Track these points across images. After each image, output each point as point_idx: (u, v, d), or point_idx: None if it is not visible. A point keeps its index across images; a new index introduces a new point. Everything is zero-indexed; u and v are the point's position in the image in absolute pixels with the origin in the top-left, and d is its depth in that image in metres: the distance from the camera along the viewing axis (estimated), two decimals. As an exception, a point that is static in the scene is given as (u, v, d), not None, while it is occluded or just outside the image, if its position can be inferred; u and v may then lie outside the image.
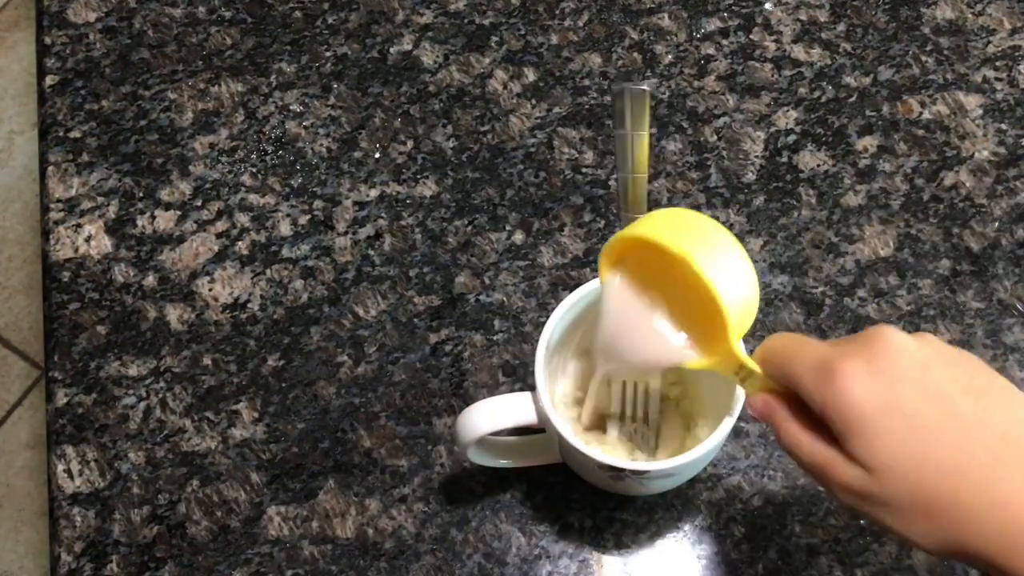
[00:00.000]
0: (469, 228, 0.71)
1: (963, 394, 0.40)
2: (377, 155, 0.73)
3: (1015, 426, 0.40)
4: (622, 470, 0.52)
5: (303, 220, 0.71)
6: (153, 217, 0.72)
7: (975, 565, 0.41)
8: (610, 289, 0.49)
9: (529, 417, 0.53)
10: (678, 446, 0.59)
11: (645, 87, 0.43)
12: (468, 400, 0.65)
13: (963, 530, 0.40)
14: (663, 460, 0.52)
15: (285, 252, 0.70)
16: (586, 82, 0.76)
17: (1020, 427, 0.40)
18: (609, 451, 0.58)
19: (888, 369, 0.40)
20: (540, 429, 0.54)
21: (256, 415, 0.65)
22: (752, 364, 0.46)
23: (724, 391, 0.53)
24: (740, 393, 0.52)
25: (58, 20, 0.79)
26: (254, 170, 0.73)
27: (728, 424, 0.52)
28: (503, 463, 0.60)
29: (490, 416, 0.53)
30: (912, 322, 0.66)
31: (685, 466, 0.53)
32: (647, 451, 0.59)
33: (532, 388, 0.53)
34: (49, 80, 0.77)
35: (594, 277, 0.68)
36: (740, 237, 0.54)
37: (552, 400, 0.56)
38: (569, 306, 0.55)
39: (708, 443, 0.52)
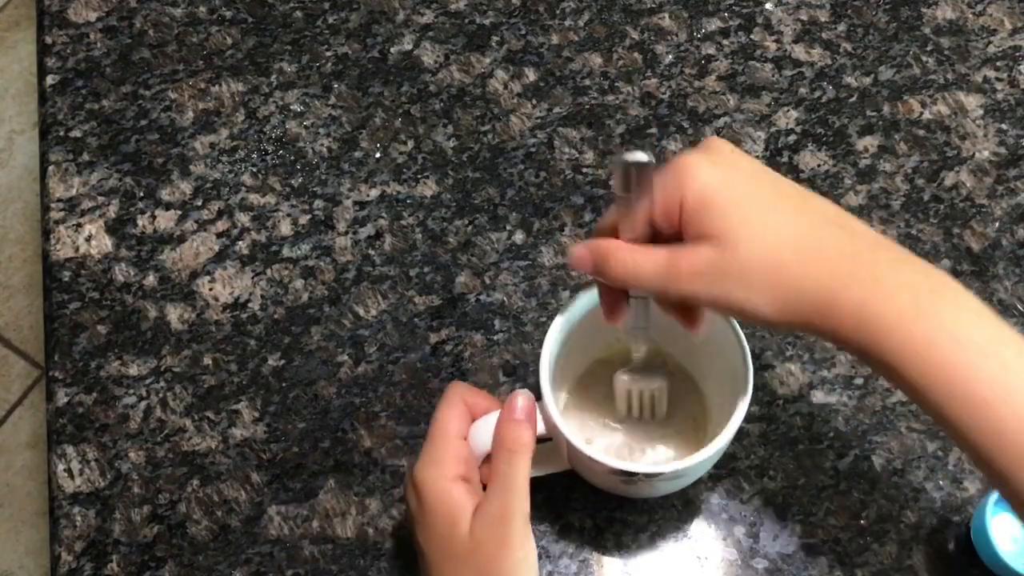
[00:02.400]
0: (469, 228, 0.71)
1: (787, 185, 0.47)
2: (377, 155, 0.73)
3: (831, 210, 0.46)
4: (634, 474, 0.52)
5: (303, 220, 0.71)
6: (153, 217, 0.72)
7: (812, 331, 0.45)
8: None
9: (537, 427, 0.53)
10: (687, 447, 0.59)
11: (647, 158, 0.44)
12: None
13: (797, 281, 0.44)
14: (675, 462, 0.52)
15: (285, 252, 0.70)
16: (586, 82, 0.75)
17: (835, 211, 0.46)
18: (615, 455, 0.58)
19: (725, 160, 0.46)
20: (547, 438, 0.54)
21: (256, 415, 0.65)
22: None
23: (731, 389, 0.53)
24: (747, 391, 0.52)
25: (59, 20, 0.79)
26: (254, 170, 0.73)
27: (736, 423, 0.52)
28: None
29: (491, 431, 0.53)
30: (912, 322, 0.66)
31: (696, 466, 0.53)
32: (653, 447, 0.59)
33: (538, 398, 0.53)
34: (50, 80, 0.77)
35: (594, 278, 0.68)
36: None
37: (560, 408, 0.56)
38: (572, 312, 0.55)
39: (718, 442, 0.52)
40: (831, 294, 0.43)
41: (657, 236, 0.47)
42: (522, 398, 0.52)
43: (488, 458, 0.53)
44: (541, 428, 0.53)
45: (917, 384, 0.42)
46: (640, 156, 0.44)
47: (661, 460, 0.59)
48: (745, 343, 0.53)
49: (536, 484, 0.62)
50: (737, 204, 0.44)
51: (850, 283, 0.43)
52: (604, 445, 0.60)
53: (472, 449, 0.52)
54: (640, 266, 0.46)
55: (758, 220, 0.44)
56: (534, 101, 0.75)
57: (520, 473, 0.51)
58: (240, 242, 0.71)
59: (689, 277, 0.45)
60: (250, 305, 0.69)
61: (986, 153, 0.72)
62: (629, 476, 0.53)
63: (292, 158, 0.74)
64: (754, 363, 0.53)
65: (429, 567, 0.51)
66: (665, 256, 0.46)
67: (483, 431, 0.52)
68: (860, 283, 0.43)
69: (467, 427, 0.53)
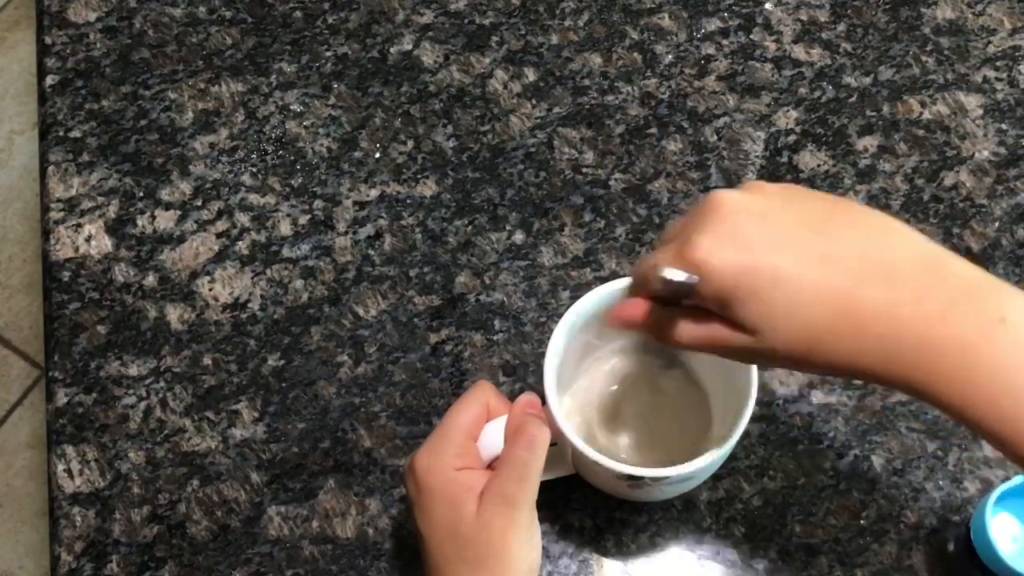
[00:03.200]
0: (469, 228, 0.71)
1: (810, 231, 0.43)
2: (377, 155, 0.73)
3: (862, 243, 0.42)
4: (640, 478, 0.52)
5: (303, 220, 0.71)
6: (153, 217, 0.72)
7: (856, 378, 0.43)
8: None
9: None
10: (693, 449, 0.59)
11: (692, 280, 0.43)
12: (468, 400, 0.65)
13: (841, 354, 0.42)
14: (681, 465, 0.52)
15: (285, 252, 0.70)
16: (586, 82, 0.75)
17: (866, 241, 0.42)
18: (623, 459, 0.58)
19: (732, 232, 0.43)
20: (552, 443, 0.54)
21: (256, 415, 0.65)
22: None
23: (736, 390, 0.53)
24: (752, 393, 0.52)
25: (58, 20, 0.79)
26: (254, 170, 0.73)
27: (742, 424, 0.52)
28: None
29: (502, 435, 0.52)
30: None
31: (702, 469, 0.53)
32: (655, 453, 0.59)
33: (542, 402, 0.53)
34: (49, 80, 0.77)
35: (594, 278, 0.68)
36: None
37: (563, 412, 0.56)
38: (576, 314, 0.55)
39: (724, 445, 0.52)
40: (877, 365, 0.42)
41: None
42: (535, 396, 0.53)
43: (493, 465, 0.53)
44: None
45: (988, 432, 0.41)
46: (679, 275, 0.43)
47: (665, 463, 0.59)
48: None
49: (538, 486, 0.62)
50: (757, 294, 0.42)
51: (894, 351, 0.41)
52: (608, 448, 0.60)
53: (480, 451, 0.52)
54: (682, 340, 0.46)
55: (783, 306, 0.42)
56: (534, 101, 0.75)
57: (538, 463, 0.51)
58: (240, 242, 0.71)
59: (732, 353, 0.45)
60: (250, 305, 0.69)
61: (986, 153, 0.72)
62: (635, 480, 0.53)
63: (292, 158, 0.74)
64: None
65: (430, 551, 0.50)
66: (706, 335, 0.45)
67: (493, 434, 0.52)
68: (905, 350, 0.41)
69: (479, 429, 0.53)
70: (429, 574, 0.51)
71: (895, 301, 0.41)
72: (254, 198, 0.72)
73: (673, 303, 0.45)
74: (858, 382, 0.64)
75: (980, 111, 0.74)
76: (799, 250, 0.42)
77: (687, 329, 0.45)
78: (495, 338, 0.67)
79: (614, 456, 0.53)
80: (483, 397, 0.53)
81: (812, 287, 0.42)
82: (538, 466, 0.51)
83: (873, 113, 0.74)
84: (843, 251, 0.42)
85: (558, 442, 0.54)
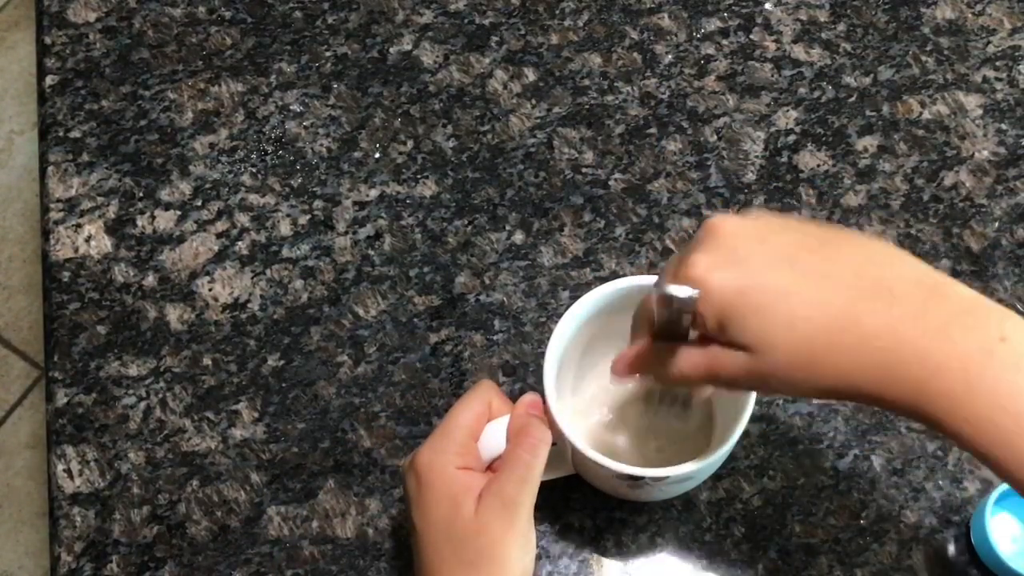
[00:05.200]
0: (469, 228, 0.71)
1: (807, 252, 0.43)
2: (377, 155, 0.73)
3: (860, 263, 0.43)
4: (641, 478, 0.52)
5: (303, 220, 0.71)
6: (153, 217, 0.72)
7: (855, 399, 0.43)
8: None
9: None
10: (692, 449, 0.59)
11: (693, 294, 0.42)
12: (468, 400, 0.65)
13: (841, 371, 0.42)
14: (681, 465, 0.52)
15: (285, 252, 0.70)
16: (586, 82, 0.75)
17: (864, 261, 0.43)
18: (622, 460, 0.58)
19: (731, 254, 0.43)
20: (552, 443, 0.54)
21: (256, 415, 0.65)
22: None
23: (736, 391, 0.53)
24: (752, 394, 0.52)
25: (58, 20, 0.79)
26: (254, 170, 0.73)
27: (741, 425, 0.52)
28: None
29: (504, 436, 0.52)
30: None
31: (702, 469, 0.53)
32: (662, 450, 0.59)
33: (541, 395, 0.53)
34: (49, 80, 0.77)
35: (594, 278, 0.68)
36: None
37: (566, 412, 0.56)
38: (576, 314, 0.55)
39: (724, 446, 0.52)
40: (877, 383, 0.42)
41: None
42: (538, 397, 0.53)
43: (493, 465, 0.53)
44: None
45: (983, 452, 0.40)
46: (678, 290, 0.42)
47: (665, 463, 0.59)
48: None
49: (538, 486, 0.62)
50: (756, 310, 0.42)
51: (894, 368, 0.41)
52: (607, 448, 0.60)
53: (480, 451, 0.52)
54: (683, 372, 0.46)
55: (783, 321, 0.42)
56: (534, 101, 0.75)
57: (539, 465, 0.51)
58: (240, 242, 0.71)
59: (731, 379, 0.44)
60: (250, 305, 0.69)
61: (986, 153, 0.72)
62: (635, 480, 0.53)
63: (292, 158, 0.74)
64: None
65: (424, 548, 0.50)
66: (705, 360, 0.45)
67: (494, 434, 0.52)
68: (906, 366, 0.41)
69: (481, 429, 0.53)
70: (421, 571, 0.50)
71: (896, 317, 0.41)
72: (254, 198, 0.72)
73: (672, 336, 0.45)
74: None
75: (980, 111, 0.74)
76: (798, 269, 0.43)
77: (686, 357, 0.45)
78: (495, 338, 0.67)
79: (614, 456, 0.53)
80: (486, 396, 0.53)
81: (812, 302, 0.42)
82: (539, 469, 0.51)
83: (873, 113, 0.74)
84: (842, 270, 0.42)
85: (558, 442, 0.54)
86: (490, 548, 0.49)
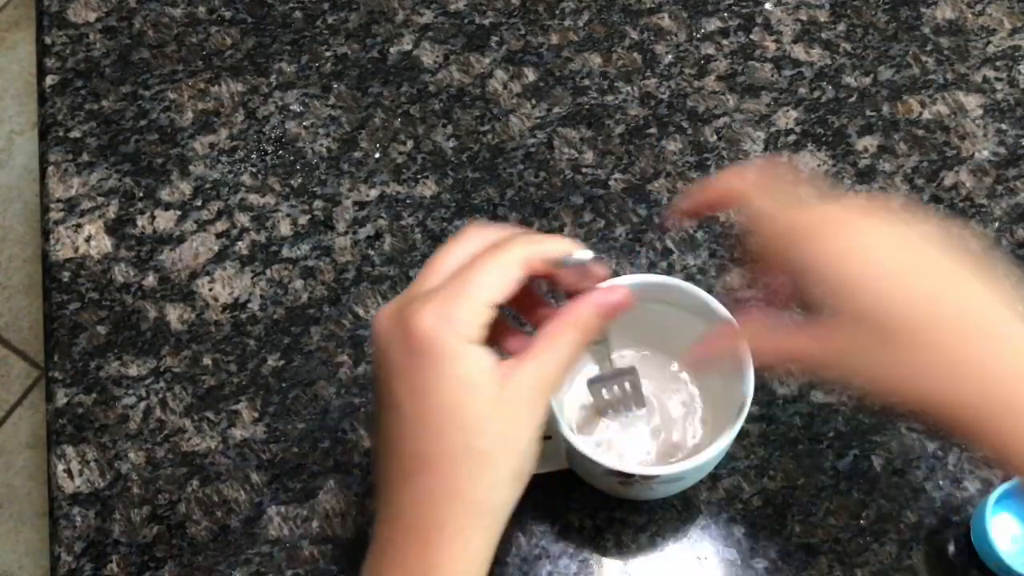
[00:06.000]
0: (469, 228, 0.71)
1: (927, 243, 0.44)
2: (377, 155, 0.73)
3: (960, 272, 0.43)
4: (631, 475, 0.52)
5: (303, 220, 0.71)
6: (153, 217, 0.72)
7: (917, 410, 0.43)
8: None
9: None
10: (691, 449, 0.59)
11: (590, 256, 0.43)
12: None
13: (928, 373, 0.41)
14: (672, 465, 0.52)
15: (285, 252, 0.70)
16: (586, 82, 0.75)
17: (965, 276, 0.43)
18: (616, 456, 0.58)
19: (856, 223, 0.44)
20: (546, 436, 0.54)
21: (256, 415, 0.65)
22: None
23: (731, 390, 0.53)
24: (747, 395, 0.52)
25: (58, 20, 0.79)
26: (254, 170, 0.73)
27: (736, 427, 0.52)
28: None
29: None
30: (912, 322, 0.66)
31: (693, 470, 0.53)
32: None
33: None
34: (49, 80, 0.77)
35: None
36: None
37: (560, 407, 0.56)
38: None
39: (715, 447, 0.52)
40: (974, 420, 0.41)
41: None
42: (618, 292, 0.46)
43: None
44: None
45: None
46: (584, 255, 0.42)
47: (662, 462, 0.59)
48: (747, 348, 0.53)
49: (535, 483, 0.62)
50: (878, 278, 0.42)
51: (991, 412, 0.41)
52: (613, 445, 0.59)
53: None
54: (789, 353, 0.45)
55: (900, 290, 0.42)
56: (534, 101, 0.75)
57: (576, 350, 0.44)
58: (240, 242, 0.71)
59: (828, 355, 0.43)
60: (250, 305, 0.69)
61: (986, 153, 0.72)
62: (626, 477, 0.53)
63: (292, 158, 0.74)
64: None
65: (417, 433, 0.41)
66: (804, 337, 0.44)
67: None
68: (999, 415, 0.41)
69: (509, 288, 0.43)
70: (407, 460, 0.42)
71: (1000, 363, 0.41)
72: (254, 198, 0.72)
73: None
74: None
75: (980, 111, 0.74)
76: (915, 253, 0.44)
77: (792, 343, 0.45)
78: (495, 338, 0.67)
79: (618, 453, 0.53)
80: (517, 257, 0.43)
81: (928, 288, 0.42)
82: (580, 352, 0.44)
83: (873, 113, 0.74)
84: (938, 260, 0.43)
85: (552, 436, 0.54)
86: (513, 435, 0.42)
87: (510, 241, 0.44)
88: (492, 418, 0.41)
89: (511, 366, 0.42)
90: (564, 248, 0.44)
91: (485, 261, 0.43)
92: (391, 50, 0.77)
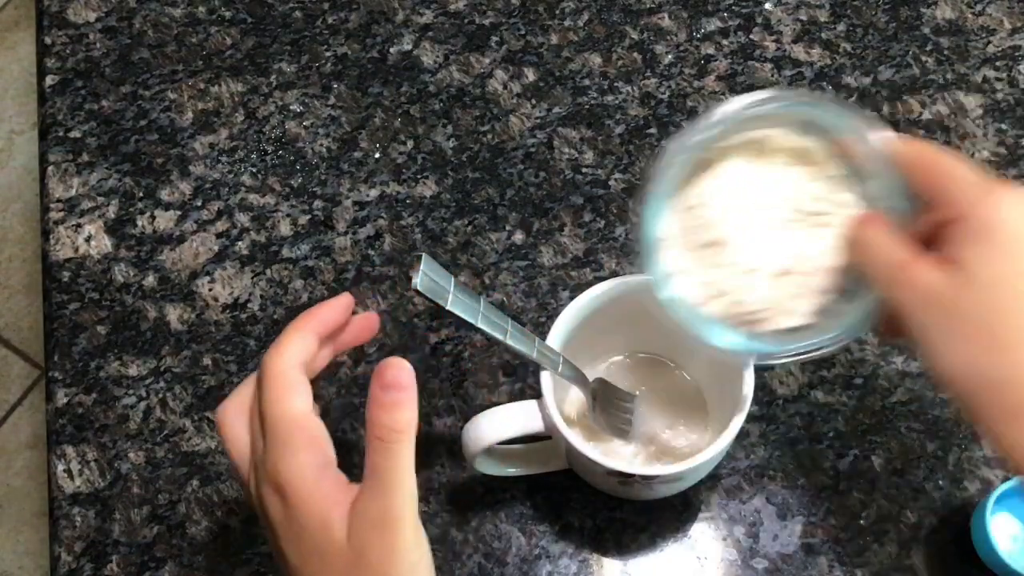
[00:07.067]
0: (469, 228, 0.71)
1: None
2: (377, 155, 0.73)
3: None
4: (631, 475, 0.52)
5: (303, 220, 0.71)
6: (153, 217, 0.72)
7: (975, 414, 0.41)
8: None
9: (536, 425, 0.53)
10: (689, 449, 0.59)
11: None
12: (468, 400, 0.65)
13: (1002, 374, 0.40)
14: (672, 465, 0.52)
15: (285, 252, 0.70)
16: (586, 82, 0.75)
17: None
18: (616, 456, 0.58)
19: None
20: (546, 436, 0.54)
21: (256, 415, 0.65)
22: None
23: (731, 391, 0.53)
24: (747, 395, 0.52)
25: (58, 20, 0.79)
26: (254, 170, 0.73)
27: (735, 427, 0.52)
28: (510, 471, 0.59)
29: (496, 425, 0.52)
30: (912, 322, 0.66)
31: (692, 471, 0.53)
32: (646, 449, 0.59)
33: (538, 395, 0.53)
34: (49, 80, 0.77)
35: (594, 278, 0.68)
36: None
37: (559, 407, 0.56)
38: (575, 311, 0.55)
39: (715, 447, 0.52)
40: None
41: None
42: (391, 369, 0.44)
43: (489, 449, 0.52)
44: (541, 426, 0.53)
45: None
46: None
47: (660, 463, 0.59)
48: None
49: (536, 484, 0.62)
50: (1015, 255, 0.40)
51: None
52: (604, 446, 0.60)
53: (472, 444, 0.51)
54: (883, 245, 0.44)
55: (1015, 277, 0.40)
56: (534, 101, 0.75)
57: (401, 465, 0.42)
58: (240, 242, 0.71)
59: (909, 290, 0.42)
60: (250, 305, 0.69)
61: (986, 153, 0.72)
62: (625, 477, 0.53)
63: (292, 158, 0.74)
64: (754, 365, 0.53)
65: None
66: (905, 255, 0.43)
67: (487, 424, 0.52)
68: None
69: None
70: None
71: None
72: (254, 198, 0.72)
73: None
74: (859, 381, 0.64)
75: (980, 111, 0.74)
76: None
77: (890, 240, 0.44)
78: (495, 338, 0.67)
79: (612, 454, 0.53)
80: (305, 341, 0.46)
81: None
82: (404, 467, 0.42)
83: (873, 113, 0.74)
84: None
85: (553, 436, 0.54)
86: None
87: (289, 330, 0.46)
88: (351, 562, 0.41)
89: (354, 498, 0.42)
90: (334, 315, 0.48)
91: (270, 387, 0.45)
92: (391, 50, 0.77)
